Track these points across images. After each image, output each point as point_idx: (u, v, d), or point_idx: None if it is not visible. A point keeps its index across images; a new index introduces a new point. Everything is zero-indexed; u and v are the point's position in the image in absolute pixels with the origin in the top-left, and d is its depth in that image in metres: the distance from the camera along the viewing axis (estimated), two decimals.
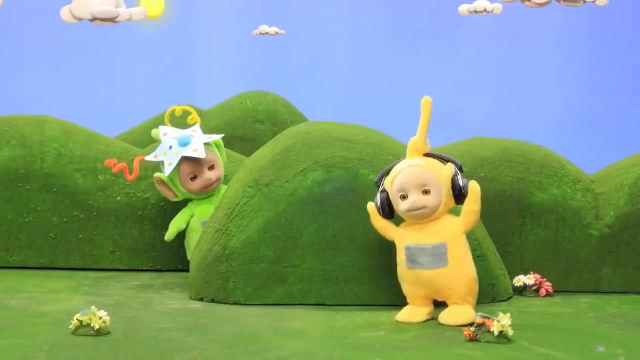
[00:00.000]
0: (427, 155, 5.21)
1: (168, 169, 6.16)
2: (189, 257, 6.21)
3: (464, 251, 5.12)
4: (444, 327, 4.99)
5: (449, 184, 5.09)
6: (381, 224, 5.26)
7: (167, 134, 6.28)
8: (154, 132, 6.39)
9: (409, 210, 5.08)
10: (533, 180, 6.09)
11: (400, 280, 5.24)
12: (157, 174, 6.25)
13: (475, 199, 5.10)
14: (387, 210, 5.19)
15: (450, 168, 5.13)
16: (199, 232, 6.10)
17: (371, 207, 5.26)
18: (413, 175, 5.09)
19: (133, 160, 6.38)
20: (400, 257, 5.18)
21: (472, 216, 5.12)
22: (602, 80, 10.89)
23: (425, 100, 5.17)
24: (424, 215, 5.10)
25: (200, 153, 6.16)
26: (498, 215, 6.03)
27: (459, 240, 5.11)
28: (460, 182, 5.09)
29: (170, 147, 6.20)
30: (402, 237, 5.18)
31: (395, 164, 5.21)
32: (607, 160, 6.70)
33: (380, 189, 5.21)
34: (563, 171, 6.17)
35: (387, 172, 5.22)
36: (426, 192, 5.07)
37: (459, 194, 5.10)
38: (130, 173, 6.30)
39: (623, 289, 6.01)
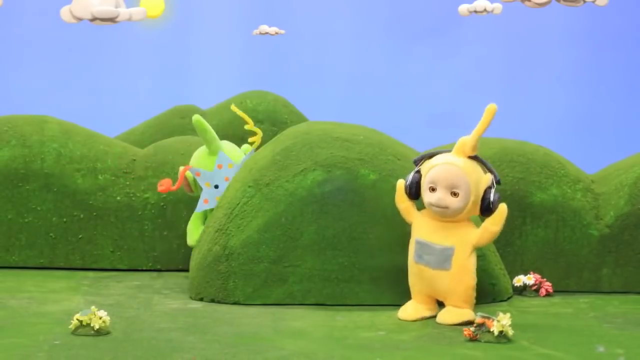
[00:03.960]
0: (473, 158, 5.18)
1: (202, 206, 6.13)
2: (189, 242, 6.20)
3: (469, 260, 5.13)
4: (444, 327, 5.00)
5: (481, 194, 5.09)
6: (405, 206, 5.29)
7: (222, 166, 6.15)
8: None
9: (431, 205, 5.11)
10: (533, 180, 6.09)
11: (409, 272, 5.28)
12: (188, 174, 6.18)
13: (499, 220, 5.09)
14: (414, 191, 5.21)
15: (488, 179, 5.12)
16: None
17: (400, 185, 5.29)
18: (449, 173, 5.08)
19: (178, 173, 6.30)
20: (411, 249, 5.24)
21: (488, 235, 5.12)
22: (602, 80, 10.89)
23: (491, 107, 5.12)
24: (444, 215, 5.11)
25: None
26: None
27: (467, 249, 5.12)
28: (492, 197, 5.08)
29: (217, 186, 6.13)
30: (417, 229, 5.23)
31: (440, 153, 5.24)
32: (607, 160, 6.70)
33: (416, 169, 5.24)
34: (563, 171, 6.17)
35: (430, 157, 5.24)
36: (455, 194, 5.06)
37: (486, 207, 5.09)
38: (173, 184, 6.22)
39: (623, 289, 6.01)
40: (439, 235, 5.13)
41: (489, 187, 5.10)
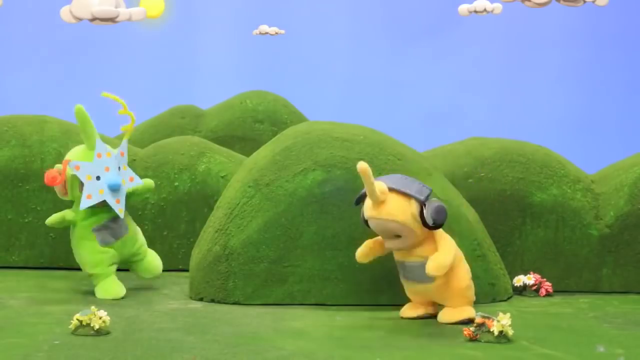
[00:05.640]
0: (391, 190, 4.95)
1: (85, 202, 5.56)
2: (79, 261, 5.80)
3: (450, 265, 5.02)
4: (444, 327, 4.99)
5: (418, 218, 4.93)
6: (372, 245, 5.15)
7: (101, 156, 5.62)
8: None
9: (390, 249, 5.09)
10: (533, 180, 6.09)
11: (402, 284, 5.27)
12: (71, 171, 5.60)
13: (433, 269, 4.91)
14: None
15: (413, 207, 4.94)
16: (91, 241, 5.71)
17: (360, 252, 5.16)
18: (379, 227, 5.01)
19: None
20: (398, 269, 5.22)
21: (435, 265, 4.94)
22: (602, 80, 10.90)
23: (361, 169, 4.81)
24: (405, 249, 5.04)
25: (120, 210, 5.64)
26: (498, 215, 6.03)
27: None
28: (426, 215, 4.89)
29: (99, 178, 5.59)
30: (395, 252, 5.16)
31: (365, 193, 5.01)
32: (607, 160, 6.70)
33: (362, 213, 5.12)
34: (563, 171, 6.17)
35: (363, 198, 5.07)
36: (397, 236, 4.99)
37: (425, 225, 4.93)
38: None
39: (623, 289, 6.01)
40: (411, 254, 5.05)
41: (420, 211, 4.92)
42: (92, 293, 5.77)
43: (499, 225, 5.73)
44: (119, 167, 5.69)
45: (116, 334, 4.66)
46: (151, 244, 6.60)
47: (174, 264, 6.60)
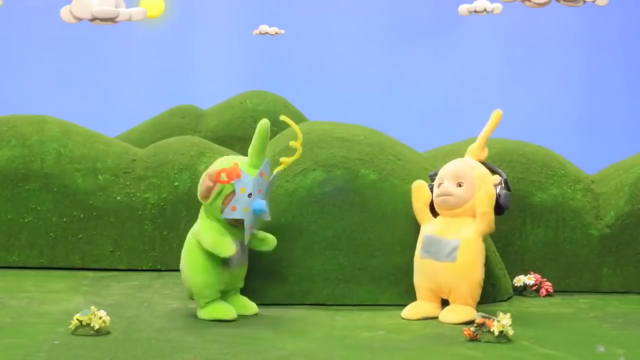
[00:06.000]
0: (482, 163, 5.43)
1: (229, 213, 5.10)
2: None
3: (475, 254, 5.17)
4: (444, 327, 4.99)
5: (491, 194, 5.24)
6: (420, 206, 5.42)
7: (263, 175, 5.16)
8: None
9: (437, 196, 5.30)
10: (533, 180, 6.09)
11: (414, 272, 5.32)
12: (223, 179, 5.10)
13: (484, 201, 5.20)
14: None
15: (494, 178, 5.32)
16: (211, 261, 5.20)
17: (416, 185, 5.44)
18: (454, 167, 5.35)
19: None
20: (418, 246, 5.31)
21: (480, 217, 5.22)
22: (602, 80, 10.90)
23: (496, 114, 5.45)
24: (448, 204, 5.26)
25: (247, 237, 5.18)
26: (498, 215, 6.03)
27: (472, 242, 5.17)
28: (497, 190, 5.25)
29: (250, 195, 5.10)
30: (427, 227, 5.33)
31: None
32: (607, 160, 6.70)
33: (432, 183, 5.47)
34: (563, 171, 6.17)
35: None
36: (460, 184, 5.26)
37: (495, 204, 5.23)
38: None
39: (623, 289, 6.01)
40: (446, 230, 5.23)
41: (496, 185, 5.27)
42: (92, 293, 5.77)
43: (499, 225, 5.70)
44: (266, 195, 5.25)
45: (116, 334, 4.66)
46: (151, 244, 6.62)
47: (174, 264, 6.59)
